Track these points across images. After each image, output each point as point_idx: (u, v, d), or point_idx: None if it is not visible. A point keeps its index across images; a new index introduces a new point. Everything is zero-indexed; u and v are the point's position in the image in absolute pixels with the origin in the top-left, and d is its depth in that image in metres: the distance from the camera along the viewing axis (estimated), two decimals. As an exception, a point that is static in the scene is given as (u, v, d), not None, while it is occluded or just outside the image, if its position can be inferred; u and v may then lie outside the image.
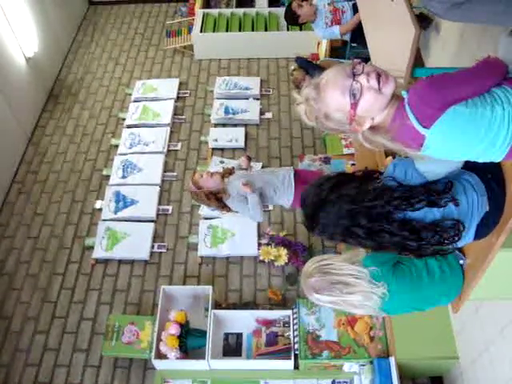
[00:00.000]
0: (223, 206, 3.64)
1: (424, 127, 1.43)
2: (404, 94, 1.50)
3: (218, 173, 3.69)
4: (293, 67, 5.28)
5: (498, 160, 1.56)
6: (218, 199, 3.61)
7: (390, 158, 4.23)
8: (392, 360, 3.55)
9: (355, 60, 1.50)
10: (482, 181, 1.84)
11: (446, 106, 1.44)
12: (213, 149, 5.55)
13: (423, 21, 3.66)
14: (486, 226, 1.88)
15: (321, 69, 4.87)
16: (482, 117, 1.45)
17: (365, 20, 4.08)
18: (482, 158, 1.56)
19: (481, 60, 1.59)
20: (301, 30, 6.15)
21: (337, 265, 1.99)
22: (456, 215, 1.78)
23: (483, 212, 1.83)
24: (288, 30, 6.56)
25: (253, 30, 6.78)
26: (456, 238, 1.77)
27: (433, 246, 1.77)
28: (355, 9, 4.65)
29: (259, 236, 4.65)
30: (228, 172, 3.75)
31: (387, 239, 1.75)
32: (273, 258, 4.45)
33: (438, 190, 1.74)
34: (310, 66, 4.96)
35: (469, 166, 1.84)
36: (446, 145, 1.49)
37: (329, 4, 4.82)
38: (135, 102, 6.09)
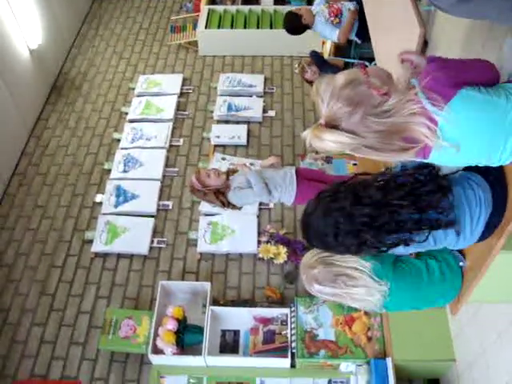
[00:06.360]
0: (228, 204, 3.65)
1: (437, 109, 1.43)
2: (414, 81, 1.50)
3: (224, 172, 3.70)
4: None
5: (507, 161, 1.56)
6: (224, 196, 3.62)
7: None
8: (389, 361, 3.54)
9: None
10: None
11: (457, 84, 1.45)
12: (215, 145, 5.54)
13: None
14: (488, 229, 1.87)
15: (332, 66, 4.89)
16: (496, 105, 1.46)
17: (370, 20, 4.07)
18: (493, 158, 1.56)
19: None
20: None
21: (339, 256, 1.97)
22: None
23: (489, 211, 1.81)
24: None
25: (258, 27, 6.76)
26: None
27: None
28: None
29: (259, 233, 4.64)
30: (233, 171, 3.78)
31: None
32: (272, 256, 4.44)
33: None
34: (322, 63, 4.96)
35: (471, 169, 1.84)
36: (459, 130, 1.48)
37: (323, 4, 4.90)
38: (138, 96, 6.08)
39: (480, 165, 1.61)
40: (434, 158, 1.56)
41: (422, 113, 1.44)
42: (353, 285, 1.94)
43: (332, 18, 4.82)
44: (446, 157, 1.55)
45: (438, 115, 1.44)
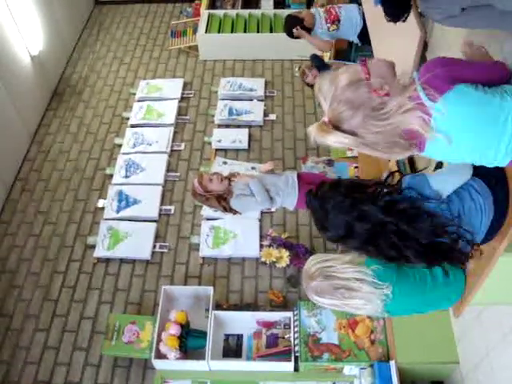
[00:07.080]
0: (230, 209, 3.65)
1: (432, 101, 1.46)
2: (415, 75, 1.52)
3: (226, 177, 3.70)
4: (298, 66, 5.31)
5: (504, 163, 1.57)
6: (226, 202, 3.62)
7: (393, 162, 4.24)
8: (392, 364, 3.54)
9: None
10: (487, 186, 1.84)
11: (453, 80, 1.48)
12: (216, 149, 5.54)
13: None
14: (491, 232, 1.87)
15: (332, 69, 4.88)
16: (490, 103, 1.49)
17: (370, 23, 4.08)
18: (487, 156, 1.56)
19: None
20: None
21: (339, 267, 1.97)
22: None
23: (491, 216, 1.82)
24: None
25: (258, 31, 6.79)
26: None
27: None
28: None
29: (261, 237, 4.64)
30: (234, 176, 3.78)
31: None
32: (274, 260, 4.44)
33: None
34: (322, 66, 4.96)
35: (475, 173, 1.84)
36: (451, 123, 1.50)
37: (321, 7, 4.88)
38: (139, 101, 6.09)
39: (476, 163, 1.63)
40: (428, 151, 1.59)
41: (419, 107, 1.47)
42: (350, 296, 1.93)
43: (329, 25, 4.73)
44: (440, 151, 1.58)
45: (432, 107, 1.47)
